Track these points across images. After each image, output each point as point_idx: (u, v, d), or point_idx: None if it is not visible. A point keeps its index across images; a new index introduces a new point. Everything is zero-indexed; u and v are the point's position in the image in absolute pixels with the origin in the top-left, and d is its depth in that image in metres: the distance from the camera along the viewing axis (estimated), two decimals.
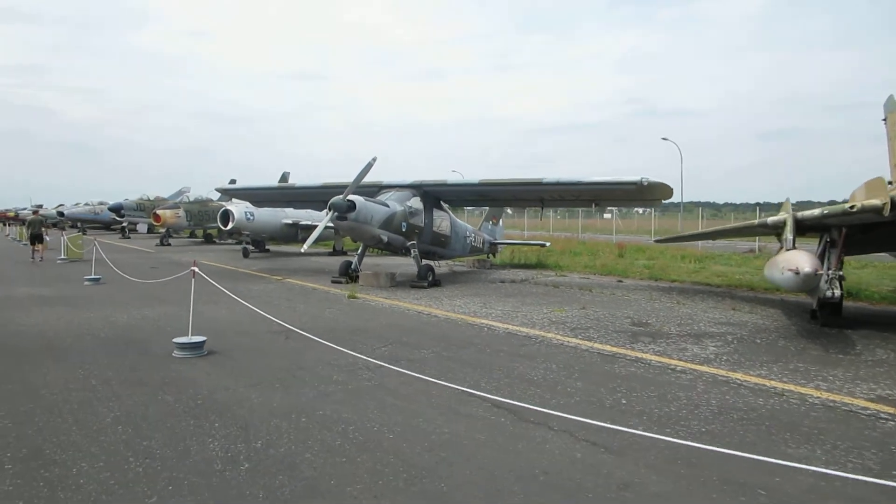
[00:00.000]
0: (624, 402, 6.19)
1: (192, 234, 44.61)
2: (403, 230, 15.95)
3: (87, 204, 53.15)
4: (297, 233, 28.07)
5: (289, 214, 27.70)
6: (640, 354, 8.28)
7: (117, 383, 6.72)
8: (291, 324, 10.12)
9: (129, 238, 42.46)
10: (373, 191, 17.09)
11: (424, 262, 16.54)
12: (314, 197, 19.09)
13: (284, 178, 47.26)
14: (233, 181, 49.65)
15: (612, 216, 69.28)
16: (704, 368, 7.54)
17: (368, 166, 14.61)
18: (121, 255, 24.31)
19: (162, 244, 34.42)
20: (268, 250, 29.70)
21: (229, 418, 5.61)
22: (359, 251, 17.06)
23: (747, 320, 11.24)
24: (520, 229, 51.50)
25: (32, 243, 24.10)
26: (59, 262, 22.76)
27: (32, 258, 23.65)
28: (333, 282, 16.51)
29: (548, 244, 23.81)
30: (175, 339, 8.15)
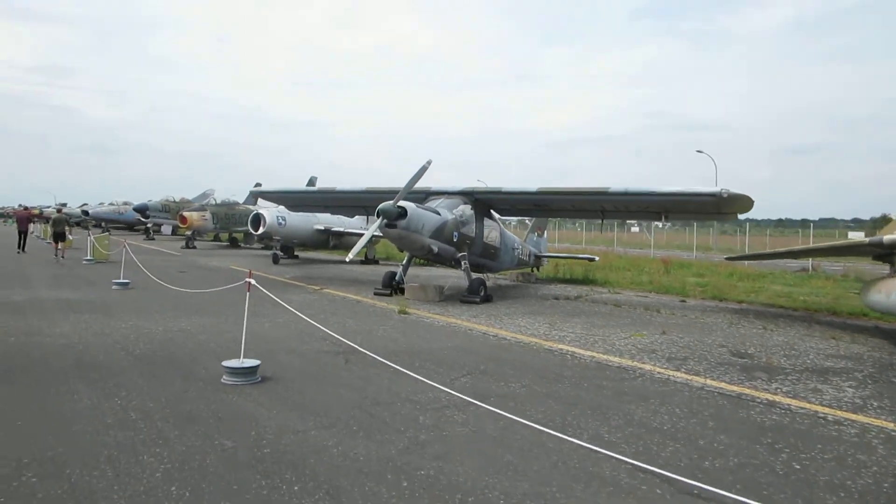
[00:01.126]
0: (797, 466, 4.91)
1: (217, 238, 43.82)
2: (455, 240, 14.76)
3: (111, 204, 52.65)
4: (328, 239, 27.05)
5: (320, 220, 26.64)
6: (770, 396, 6.98)
7: (162, 419, 5.55)
8: (344, 343, 8.97)
9: (153, 239, 41.73)
10: (420, 197, 15.93)
11: (475, 275, 15.33)
12: (356, 202, 17.99)
13: (312, 183, 46.54)
14: (258, 185, 49.37)
15: (643, 230, 67.83)
16: (862, 419, 6.22)
17: (422, 170, 13.46)
18: (146, 257, 23.30)
19: (187, 247, 33.54)
20: (297, 256, 28.66)
21: (308, 476, 4.42)
22: (403, 262, 15.87)
23: (860, 352, 9.87)
24: (550, 241, 50.18)
25: (55, 241, 24.01)
26: (84, 262, 21.86)
27: (55, 256, 23.26)
28: (377, 294, 15.36)
29: (597, 258, 22.48)
30: (225, 363, 6.99)
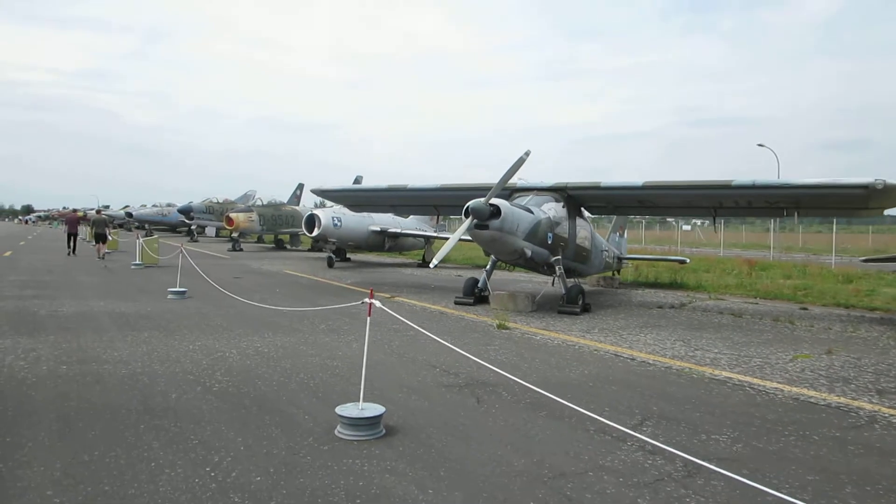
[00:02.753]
0: None
1: (260, 239, 42.74)
2: (549, 242, 12.96)
3: (154, 205, 52.12)
4: (384, 241, 25.47)
5: (376, 221, 25.09)
6: None
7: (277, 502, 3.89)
8: (460, 370, 7.28)
9: (197, 241, 40.82)
10: (504, 195, 14.16)
11: (570, 281, 13.52)
12: (428, 200, 16.31)
13: (358, 182, 45.15)
14: (301, 185, 48.15)
15: (695, 228, 64.82)
16: None
17: (520, 162, 11.68)
18: (195, 262, 21.87)
19: (234, 249, 32.37)
20: (349, 259, 27.11)
21: None
22: (487, 267, 14.11)
23: None
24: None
25: (96, 242, 24.44)
26: (133, 267, 20.61)
27: (98, 257, 23.49)
28: (458, 303, 13.65)
29: (688, 260, 20.41)
30: (340, 411, 5.30)
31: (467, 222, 11.78)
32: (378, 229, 24.77)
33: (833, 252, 30.14)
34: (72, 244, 26.18)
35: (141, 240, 21.47)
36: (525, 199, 13.30)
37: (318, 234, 22.63)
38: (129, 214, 53.21)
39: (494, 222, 11.72)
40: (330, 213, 23.02)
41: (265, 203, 35.60)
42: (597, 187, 13.45)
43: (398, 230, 25.33)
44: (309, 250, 35.53)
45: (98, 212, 36.33)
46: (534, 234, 12.47)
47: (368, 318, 6.09)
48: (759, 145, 43.24)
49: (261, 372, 7.27)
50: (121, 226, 54.79)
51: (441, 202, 16.44)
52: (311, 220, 23.00)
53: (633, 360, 8.48)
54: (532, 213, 12.56)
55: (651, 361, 8.37)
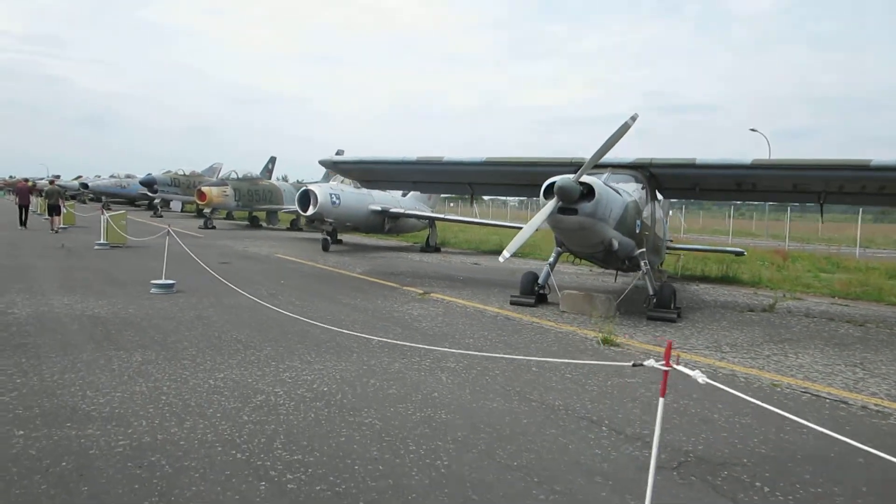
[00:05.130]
0: None
1: (229, 215, 39.32)
2: (636, 232, 10.51)
3: (113, 176, 47.93)
4: (383, 222, 22.69)
5: (376, 199, 22.28)
6: None
7: None
8: (640, 433, 4.76)
9: (161, 216, 37.18)
10: (569, 170, 11.62)
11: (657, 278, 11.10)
12: (466, 177, 13.63)
13: (339, 154, 41.94)
14: (273, 158, 44.56)
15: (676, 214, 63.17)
16: None
17: (624, 128, 9.09)
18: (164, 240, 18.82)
19: (206, 227, 29.10)
20: (341, 241, 24.21)
21: None
22: (550, 260, 11.55)
23: None
24: None
25: (49, 215, 23.26)
26: (97, 247, 17.45)
27: (52, 230, 22.23)
28: (515, 303, 11.13)
29: (745, 252, 18.17)
30: None
31: (549, 205, 9.19)
32: (379, 209, 21.98)
33: (857, 243, 28.47)
34: (24, 216, 24.34)
35: (106, 215, 18.21)
36: (601, 178, 10.75)
37: (314, 214, 19.72)
38: (85, 185, 48.92)
39: (585, 206, 9.16)
40: (327, 190, 20.15)
41: (240, 177, 32.25)
42: (690, 165, 10.98)
43: (401, 210, 22.57)
44: (287, 229, 32.48)
45: (51, 182, 32.88)
46: (623, 222, 9.97)
47: None
48: (752, 130, 41.71)
49: (338, 435, 4.61)
50: (73, 197, 50.44)
51: (481, 180, 13.79)
52: (306, 197, 20.08)
53: (844, 403, 6.07)
54: (619, 194, 10.05)
55: (848, 402, 5.98)
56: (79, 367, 6.04)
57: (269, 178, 38.53)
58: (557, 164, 11.89)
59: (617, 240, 9.96)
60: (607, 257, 10.73)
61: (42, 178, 58.21)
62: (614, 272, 14.16)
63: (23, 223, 24.08)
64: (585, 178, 9.21)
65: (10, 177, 78.18)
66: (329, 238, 20.70)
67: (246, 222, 35.55)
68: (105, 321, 8.16)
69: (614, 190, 9.97)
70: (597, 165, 11.22)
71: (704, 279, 16.73)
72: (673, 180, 11.74)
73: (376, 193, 22.35)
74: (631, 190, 10.62)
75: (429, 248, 22.74)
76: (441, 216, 23.89)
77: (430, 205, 26.93)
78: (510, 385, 6.13)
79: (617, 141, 9.14)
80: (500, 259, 9.35)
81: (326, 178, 39.25)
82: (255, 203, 32.51)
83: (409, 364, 6.76)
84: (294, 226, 32.86)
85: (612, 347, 8.07)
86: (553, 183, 9.21)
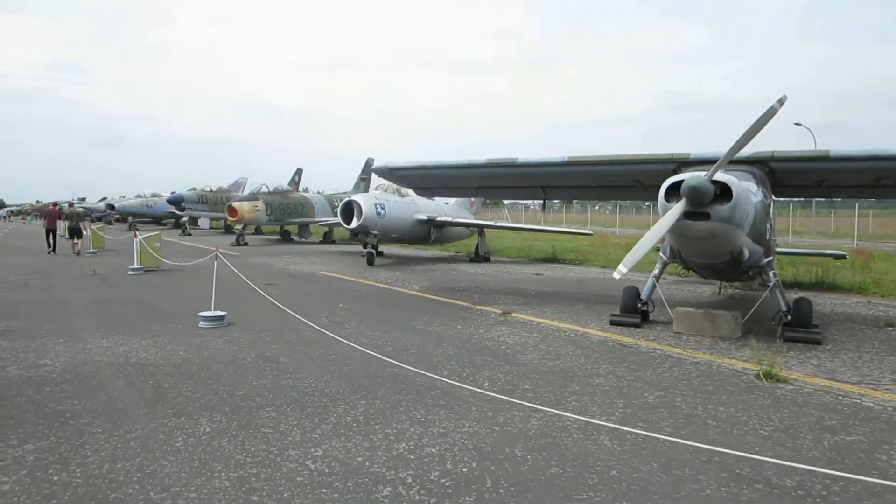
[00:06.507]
0: None
1: (258, 230, 38.22)
2: (767, 238, 8.93)
3: (138, 195, 47.10)
4: (429, 232, 21.26)
5: (421, 208, 20.85)
6: None
7: None
8: None
9: (189, 234, 36.10)
10: (667, 169, 10.08)
11: (785, 291, 9.46)
12: (541, 179, 12.08)
13: (368, 165, 40.66)
14: (299, 170, 43.35)
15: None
16: None
17: (770, 113, 7.51)
18: (201, 260, 17.57)
19: (239, 244, 27.88)
20: (381, 254, 22.72)
21: None
22: (655, 272, 9.96)
23: None
24: (584, 223, 44.01)
25: (70, 237, 23.42)
26: (131, 273, 16.16)
27: (74, 253, 22.27)
28: (616, 323, 9.58)
29: (847, 255, 16.39)
30: None
31: (675, 209, 7.62)
32: (425, 218, 20.52)
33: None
34: (51, 241, 23.60)
35: (139, 237, 16.95)
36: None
37: (359, 226, 18.32)
38: (111, 206, 48.22)
39: (721, 209, 7.59)
40: (372, 200, 18.74)
41: (271, 190, 31.04)
42: (823, 158, 9.33)
43: (448, 218, 21.10)
44: (321, 242, 31.17)
45: (71, 205, 32.19)
46: (754, 227, 8.37)
47: None
48: (796, 124, 39.81)
49: None
50: (100, 219, 49.80)
51: (557, 182, 12.26)
52: (349, 209, 18.68)
53: None
54: (753, 194, 8.45)
55: None
56: (132, 447, 4.61)
57: (297, 191, 37.39)
58: (655, 161, 10.37)
59: (748, 248, 8.37)
60: (728, 269, 9.14)
61: (68, 202, 57.84)
62: (718, 283, 12.55)
63: (52, 248, 23.35)
64: (720, 176, 7.63)
65: (38, 201, 78.38)
66: (374, 252, 19.26)
67: (277, 237, 34.40)
68: (155, 371, 6.74)
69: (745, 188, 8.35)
70: (704, 162, 9.72)
71: (797, 286, 14.96)
72: (796, 176, 10.08)
73: (420, 201, 20.96)
74: (754, 189, 9.00)
75: (478, 257, 21.24)
76: (491, 223, 22.39)
77: (472, 211, 25.48)
78: (708, 458, 4.56)
79: (761, 128, 7.55)
80: (616, 275, 7.79)
81: (357, 189, 38.28)
82: (286, 217, 31.31)
83: (550, 422, 5.24)
84: (327, 238, 31.61)
85: (778, 384, 6.46)
86: (679, 182, 7.66)
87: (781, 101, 7.45)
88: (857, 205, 34.43)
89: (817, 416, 5.45)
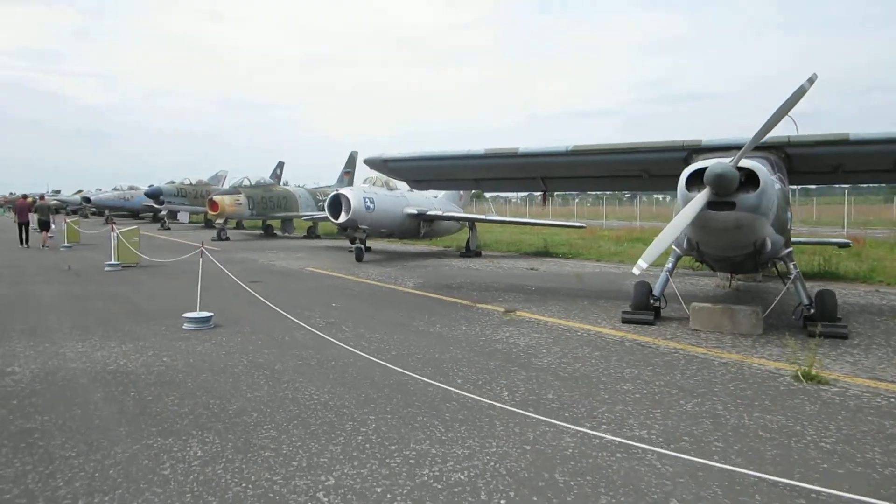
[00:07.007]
0: None
1: (239, 225, 37.24)
2: (788, 227, 8.48)
3: (115, 189, 45.89)
4: (419, 226, 20.63)
5: (410, 202, 20.20)
6: None
7: None
8: None
9: (168, 229, 35.10)
10: (678, 157, 9.60)
11: (807, 283, 9.03)
12: (540, 170, 11.52)
13: (353, 158, 39.87)
14: (281, 163, 42.40)
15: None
16: None
17: (800, 92, 7.01)
18: (182, 257, 16.80)
19: (220, 238, 27.04)
20: (370, 249, 22.00)
21: None
22: (668, 266, 9.46)
23: None
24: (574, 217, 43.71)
25: (40, 230, 23.49)
26: (108, 269, 15.35)
27: (42, 245, 21.97)
28: (628, 320, 9.07)
29: (851, 243, 16.06)
30: None
31: (698, 199, 7.12)
32: (415, 212, 19.89)
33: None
34: (24, 234, 23.19)
35: (117, 231, 16.12)
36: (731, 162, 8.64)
37: (347, 221, 17.63)
38: (87, 199, 46.93)
39: (747, 198, 7.10)
40: (361, 194, 18.07)
41: (253, 183, 30.14)
42: (842, 142, 8.86)
43: (438, 212, 20.48)
44: (304, 237, 30.36)
45: (41, 197, 31.24)
46: (778, 216, 7.91)
47: None
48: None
49: None
50: (75, 212, 48.48)
51: (560, 173, 11.71)
52: (337, 203, 17.99)
53: None
54: (776, 182, 7.96)
55: None
56: (112, 475, 3.97)
57: (278, 184, 36.46)
58: (664, 149, 9.87)
59: (771, 238, 7.91)
60: (747, 261, 8.67)
61: (40, 194, 56.29)
62: (722, 276, 12.10)
63: (23, 242, 22.83)
64: (744, 163, 7.12)
65: (10, 194, 76.39)
66: (363, 247, 18.58)
67: (259, 232, 33.53)
68: (136, 380, 6.07)
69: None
70: (717, 149, 9.23)
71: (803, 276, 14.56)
72: (813, 162, 9.62)
73: (410, 195, 20.32)
74: (773, 176, 8.52)
75: (469, 252, 20.65)
76: (483, 217, 21.81)
77: (460, 205, 24.87)
78: (774, 482, 4.02)
79: (790, 109, 7.06)
80: (636, 270, 7.27)
81: (341, 183, 37.45)
82: (269, 211, 30.43)
83: (586, 438, 4.67)
84: (311, 233, 30.80)
85: (820, 386, 5.96)
86: (703, 169, 7.14)
87: (812, 80, 6.96)
88: (845, 192, 34.33)
89: (878, 424, 4.96)
